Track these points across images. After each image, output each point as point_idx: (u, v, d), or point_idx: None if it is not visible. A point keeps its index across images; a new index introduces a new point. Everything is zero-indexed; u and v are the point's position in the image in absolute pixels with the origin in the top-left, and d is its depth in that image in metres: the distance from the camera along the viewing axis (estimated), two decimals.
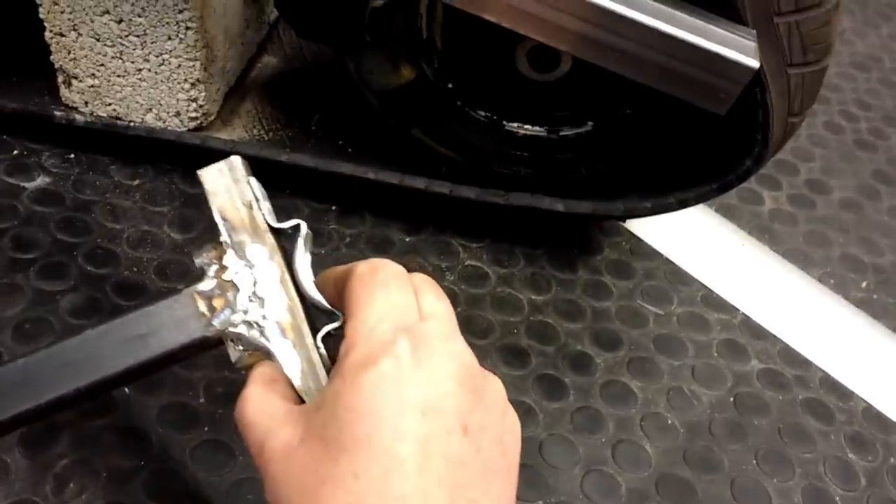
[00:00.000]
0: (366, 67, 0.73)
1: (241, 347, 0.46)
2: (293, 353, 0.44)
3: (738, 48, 0.57)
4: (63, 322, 0.70)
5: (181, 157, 0.84)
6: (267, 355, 0.45)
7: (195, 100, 0.80)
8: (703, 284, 0.85)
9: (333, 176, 0.81)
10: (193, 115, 0.81)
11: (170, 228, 0.80)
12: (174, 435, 0.65)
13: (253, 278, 0.46)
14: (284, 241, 0.47)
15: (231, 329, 0.45)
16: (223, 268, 0.46)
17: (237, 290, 0.46)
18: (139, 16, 0.74)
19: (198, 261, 0.47)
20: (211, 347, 0.46)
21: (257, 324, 0.45)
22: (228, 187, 0.48)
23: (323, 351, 0.44)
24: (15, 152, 0.83)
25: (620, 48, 0.58)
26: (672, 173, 0.74)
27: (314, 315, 0.46)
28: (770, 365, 0.79)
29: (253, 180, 0.49)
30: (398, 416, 0.36)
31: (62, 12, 0.75)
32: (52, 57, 0.79)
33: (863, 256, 0.92)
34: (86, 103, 0.81)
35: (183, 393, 0.68)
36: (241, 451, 0.65)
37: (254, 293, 0.46)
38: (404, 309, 0.40)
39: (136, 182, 0.83)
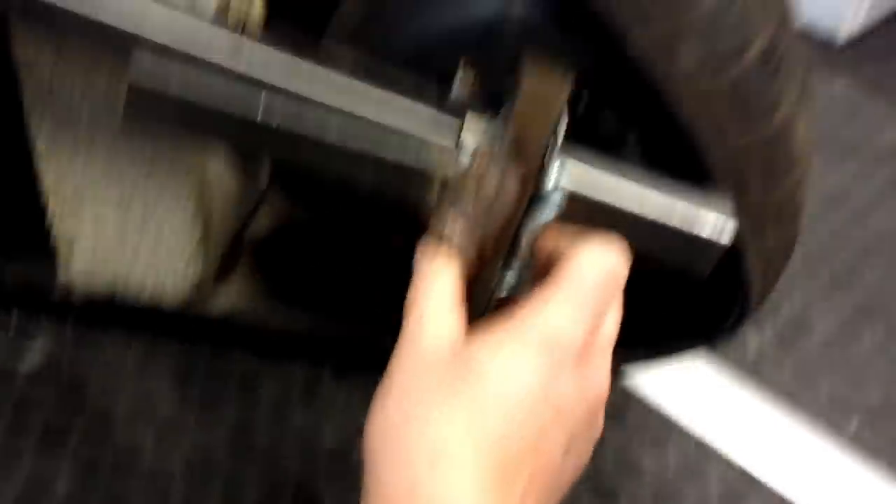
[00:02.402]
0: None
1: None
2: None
3: (714, 218, 0.60)
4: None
5: (177, 326, 0.85)
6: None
7: (193, 269, 0.82)
8: (695, 433, 0.86)
9: (328, 338, 0.82)
10: (191, 283, 0.83)
11: (165, 400, 0.80)
12: None
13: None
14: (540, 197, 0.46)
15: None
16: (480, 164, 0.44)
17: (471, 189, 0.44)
18: (141, 192, 0.77)
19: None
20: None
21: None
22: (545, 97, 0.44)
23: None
24: (10, 326, 0.84)
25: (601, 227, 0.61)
26: (662, 328, 0.76)
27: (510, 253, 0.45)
28: None
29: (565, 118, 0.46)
30: (535, 405, 0.38)
31: (65, 188, 0.77)
32: (52, 231, 0.81)
33: (850, 395, 0.93)
34: (83, 275, 0.83)
35: None
36: None
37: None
38: (599, 319, 0.42)
39: (130, 353, 0.84)
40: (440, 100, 0.58)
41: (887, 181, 1.30)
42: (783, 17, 0.61)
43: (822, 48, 1.66)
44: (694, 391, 0.91)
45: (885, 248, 1.16)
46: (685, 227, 0.59)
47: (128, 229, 0.80)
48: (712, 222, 0.60)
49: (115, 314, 0.85)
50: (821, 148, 1.36)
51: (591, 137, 0.62)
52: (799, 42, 0.64)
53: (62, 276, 0.84)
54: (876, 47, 1.69)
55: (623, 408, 0.87)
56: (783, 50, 0.61)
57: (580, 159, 0.55)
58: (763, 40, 0.59)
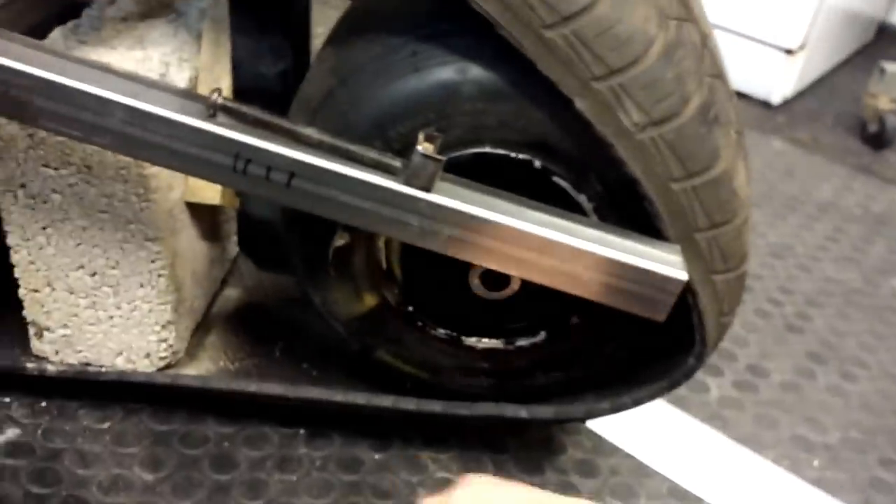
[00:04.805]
0: (330, 298, 0.78)
1: None
2: None
3: (667, 263, 0.64)
4: None
5: (150, 396, 0.86)
6: None
7: (165, 340, 0.83)
8: (665, 477, 0.88)
9: (301, 401, 0.84)
10: (163, 354, 0.84)
11: (141, 469, 0.80)
12: None
13: None
14: None
15: None
16: None
17: None
18: (113, 268, 0.78)
19: None
20: None
21: None
22: None
23: None
24: None
25: (564, 271, 0.64)
26: (625, 374, 0.79)
27: None
28: None
29: None
30: None
31: (38, 270, 0.79)
32: (24, 311, 0.82)
33: (810, 435, 0.97)
34: (56, 352, 0.84)
35: None
36: None
37: None
38: None
39: (105, 425, 0.84)
40: (404, 170, 0.62)
41: (827, 233, 1.37)
42: (718, 74, 0.67)
43: (759, 110, 1.76)
44: (662, 437, 0.94)
45: (831, 295, 1.22)
46: (649, 266, 0.63)
47: (99, 308, 0.81)
48: (670, 260, 0.64)
49: (89, 387, 0.85)
50: (763, 204, 1.44)
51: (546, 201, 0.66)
52: (733, 97, 0.69)
53: (34, 354, 0.84)
54: (809, 108, 1.80)
55: (594, 456, 0.89)
56: (719, 104, 0.66)
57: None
58: (701, 95, 0.64)
